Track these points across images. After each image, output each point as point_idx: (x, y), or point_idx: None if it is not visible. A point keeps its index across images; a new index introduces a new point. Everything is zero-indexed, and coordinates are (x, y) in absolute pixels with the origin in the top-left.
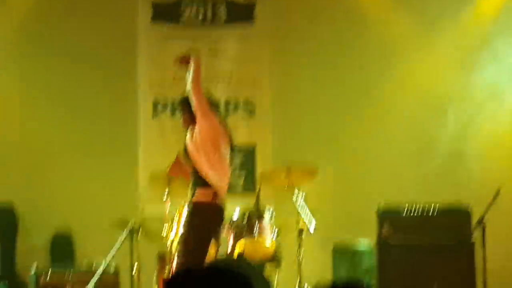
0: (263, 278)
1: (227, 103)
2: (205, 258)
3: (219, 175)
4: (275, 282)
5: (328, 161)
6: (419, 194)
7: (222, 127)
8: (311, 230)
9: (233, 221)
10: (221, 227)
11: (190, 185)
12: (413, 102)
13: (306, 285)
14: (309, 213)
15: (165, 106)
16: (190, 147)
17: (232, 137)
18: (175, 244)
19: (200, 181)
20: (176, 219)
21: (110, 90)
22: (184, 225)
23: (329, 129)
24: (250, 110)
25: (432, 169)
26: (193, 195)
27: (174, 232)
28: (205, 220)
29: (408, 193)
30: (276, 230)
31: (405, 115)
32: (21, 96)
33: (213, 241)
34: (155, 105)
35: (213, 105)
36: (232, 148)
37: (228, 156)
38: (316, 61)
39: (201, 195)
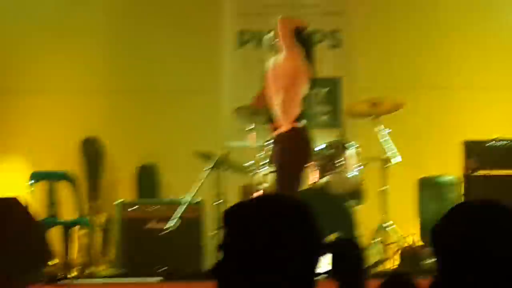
0: (344, 211)
1: (313, 34)
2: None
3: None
4: (358, 216)
5: (414, 95)
6: (506, 129)
7: (305, 65)
8: (398, 160)
9: (317, 154)
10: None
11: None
12: (501, 33)
13: (391, 222)
14: (394, 147)
15: (250, 37)
16: (270, 75)
17: (315, 73)
18: (259, 177)
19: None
20: (261, 153)
21: (194, 19)
22: (279, 155)
23: (417, 63)
24: (337, 41)
25: None
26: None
27: (259, 165)
28: (300, 144)
29: (495, 128)
30: (361, 164)
31: (494, 47)
32: (106, 36)
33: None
34: (240, 36)
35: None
36: (312, 87)
37: (303, 96)
38: None
39: (285, 124)
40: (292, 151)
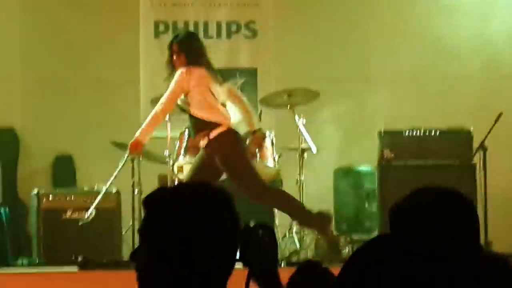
0: None
1: (228, 25)
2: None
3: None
4: None
5: (330, 84)
6: (420, 118)
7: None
8: (314, 151)
9: None
10: None
11: (193, 132)
12: (416, 24)
13: None
14: (309, 137)
15: (166, 28)
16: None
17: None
18: (176, 167)
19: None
20: (177, 142)
21: (112, 8)
22: (230, 164)
23: (332, 52)
24: (252, 32)
25: (434, 92)
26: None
27: (176, 156)
28: (239, 143)
29: (410, 117)
30: (278, 153)
31: (411, 34)
32: (22, 22)
33: None
34: (156, 26)
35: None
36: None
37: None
38: None
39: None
40: (236, 154)
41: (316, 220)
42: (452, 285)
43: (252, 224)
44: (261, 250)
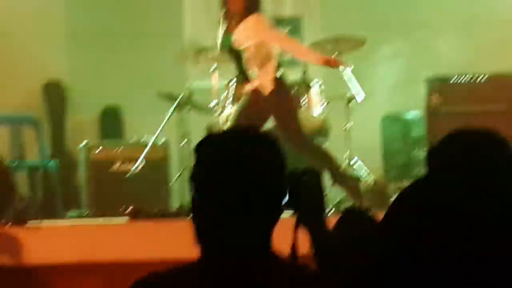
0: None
1: None
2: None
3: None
4: None
5: (377, 32)
6: (470, 65)
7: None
8: (359, 100)
9: None
10: None
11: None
12: None
13: (356, 157)
14: (357, 84)
15: None
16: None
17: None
18: (223, 117)
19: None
20: (224, 93)
21: None
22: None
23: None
24: None
25: (485, 40)
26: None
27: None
28: (287, 96)
29: (459, 64)
30: (325, 102)
31: None
32: None
33: None
34: None
35: None
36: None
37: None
38: None
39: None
40: (285, 106)
41: (348, 183)
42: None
43: (299, 169)
44: (308, 195)
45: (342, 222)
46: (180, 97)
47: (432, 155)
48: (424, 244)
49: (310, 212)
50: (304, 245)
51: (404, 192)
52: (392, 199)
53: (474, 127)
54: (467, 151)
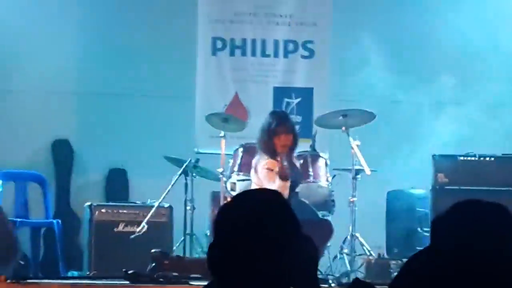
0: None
1: (286, 44)
2: None
3: None
4: None
5: (385, 106)
6: (475, 143)
7: None
8: (367, 173)
9: None
10: None
11: None
12: None
13: (358, 234)
14: (363, 159)
15: (223, 45)
16: None
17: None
18: (229, 184)
19: None
20: (231, 161)
21: (169, 24)
22: None
23: (388, 80)
24: (309, 51)
25: (490, 118)
26: None
27: (228, 172)
28: None
29: (465, 144)
30: (332, 174)
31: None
32: (79, 38)
33: None
34: (213, 43)
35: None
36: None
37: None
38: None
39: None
40: None
41: None
42: None
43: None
44: (301, 260)
45: None
46: (187, 162)
47: (437, 224)
48: None
49: (302, 277)
50: None
51: (409, 261)
52: (394, 275)
53: (479, 199)
54: (472, 221)
